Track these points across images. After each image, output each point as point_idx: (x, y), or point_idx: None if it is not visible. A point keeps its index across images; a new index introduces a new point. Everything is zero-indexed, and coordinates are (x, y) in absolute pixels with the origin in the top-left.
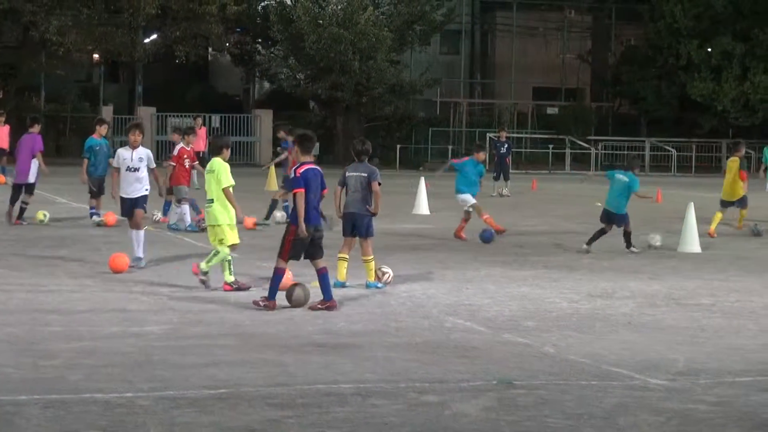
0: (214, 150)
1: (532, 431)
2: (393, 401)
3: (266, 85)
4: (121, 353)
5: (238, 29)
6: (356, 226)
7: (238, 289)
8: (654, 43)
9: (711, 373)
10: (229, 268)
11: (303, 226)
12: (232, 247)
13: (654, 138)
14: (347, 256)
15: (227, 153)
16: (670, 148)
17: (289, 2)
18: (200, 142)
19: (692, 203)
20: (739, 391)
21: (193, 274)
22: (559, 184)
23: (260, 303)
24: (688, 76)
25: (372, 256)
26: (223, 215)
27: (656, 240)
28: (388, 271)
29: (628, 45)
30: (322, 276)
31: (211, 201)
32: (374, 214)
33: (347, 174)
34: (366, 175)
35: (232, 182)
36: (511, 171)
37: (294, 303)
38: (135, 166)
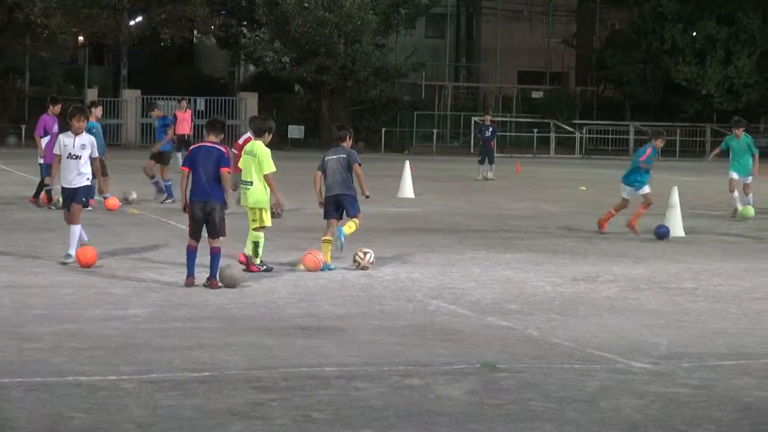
0: (257, 132)
1: (515, 414)
2: (377, 384)
3: (251, 68)
4: (105, 336)
5: (223, 12)
6: (342, 207)
7: (267, 269)
8: (639, 27)
9: (694, 357)
10: (256, 250)
11: (183, 202)
12: (264, 229)
13: (638, 122)
14: (331, 239)
15: (269, 137)
16: None
17: None
18: (185, 125)
19: (676, 187)
20: (722, 374)
21: (254, 272)
22: (544, 168)
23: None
24: (673, 61)
25: (355, 227)
26: (264, 197)
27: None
28: (370, 251)
29: (613, 29)
30: (213, 256)
31: (250, 183)
32: (367, 197)
33: (326, 158)
34: (345, 156)
35: (274, 168)
36: (495, 155)
37: (227, 283)
38: (77, 153)
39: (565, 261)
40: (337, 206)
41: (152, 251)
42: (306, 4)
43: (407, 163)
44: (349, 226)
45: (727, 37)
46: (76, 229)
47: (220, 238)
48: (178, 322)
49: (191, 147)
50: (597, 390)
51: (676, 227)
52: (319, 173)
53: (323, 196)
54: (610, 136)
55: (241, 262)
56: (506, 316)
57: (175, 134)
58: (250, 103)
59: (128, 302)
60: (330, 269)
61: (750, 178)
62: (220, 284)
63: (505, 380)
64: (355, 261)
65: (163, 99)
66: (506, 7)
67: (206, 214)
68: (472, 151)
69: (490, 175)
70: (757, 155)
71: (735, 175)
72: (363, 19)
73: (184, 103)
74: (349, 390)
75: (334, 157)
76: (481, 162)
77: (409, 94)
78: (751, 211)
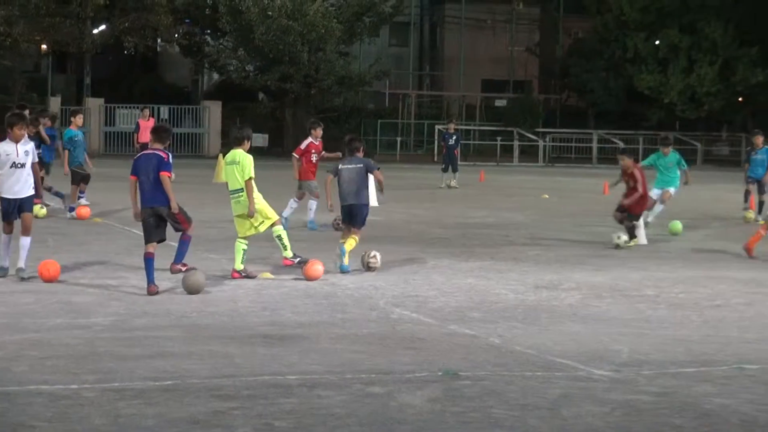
0: (236, 141)
1: (477, 422)
2: (339, 392)
3: (215, 76)
4: (67, 345)
5: (187, 20)
6: (353, 216)
7: (246, 277)
8: (601, 35)
9: (654, 364)
10: (242, 258)
11: (134, 209)
12: (277, 222)
13: (601, 130)
14: (351, 242)
15: (248, 144)
16: (617, 141)
17: None
18: (147, 133)
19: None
20: (682, 381)
21: (287, 266)
22: (507, 176)
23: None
24: (635, 69)
25: (357, 238)
26: (254, 201)
27: (620, 238)
28: (377, 255)
29: (576, 37)
30: (182, 242)
31: (241, 191)
32: (382, 191)
33: (341, 167)
34: (362, 166)
35: (253, 174)
36: (459, 163)
37: (190, 289)
38: (21, 161)
39: (527, 269)
40: (350, 215)
41: (115, 260)
42: (270, 13)
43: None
44: (350, 243)
45: (689, 46)
46: (28, 241)
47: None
48: (140, 330)
49: (135, 157)
50: (558, 397)
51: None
52: (331, 176)
53: (331, 201)
54: (574, 144)
55: (288, 265)
56: (468, 324)
57: (138, 142)
58: (213, 112)
59: (90, 311)
60: (347, 270)
61: (672, 188)
62: (182, 269)
63: (467, 388)
64: (363, 262)
65: (126, 107)
66: (469, 15)
67: (158, 218)
68: (435, 159)
69: (453, 183)
70: (686, 170)
71: (655, 193)
72: (327, 27)
73: (147, 112)
74: (311, 398)
75: (350, 166)
76: (445, 170)
77: (373, 102)
78: (678, 225)
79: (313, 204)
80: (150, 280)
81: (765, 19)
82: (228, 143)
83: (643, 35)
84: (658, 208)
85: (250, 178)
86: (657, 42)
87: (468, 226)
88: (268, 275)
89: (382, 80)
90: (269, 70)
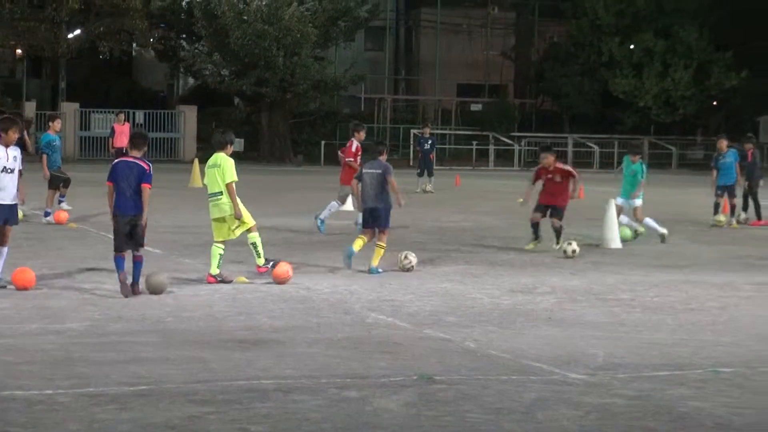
0: (219, 145)
1: (452, 426)
2: (314, 397)
3: (190, 81)
4: (42, 350)
5: (162, 25)
6: (375, 218)
7: (222, 281)
8: (576, 39)
9: (629, 368)
10: (219, 262)
11: (111, 215)
12: (254, 228)
13: (577, 134)
14: (382, 244)
15: (230, 149)
16: (592, 145)
17: None
18: (123, 138)
19: (613, 199)
20: (657, 385)
21: (261, 273)
22: (483, 180)
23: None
24: (610, 73)
25: (384, 245)
26: (234, 208)
27: (572, 247)
28: (412, 259)
29: (551, 42)
30: (136, 263)
31: (220, 194)
32: (399, 205)
33: (364, 171)
34: (380, 171)
35: (236, 178)
36: (434, 167)
37: (153, 290)
38: (11, 166)
39: (503, 273)
40: (374, 218)
41: (90, 265)
42: (245, 17)
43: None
44: (375, 259)
45: (664, 50)
46: (5, 251)
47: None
48: (115, 335)
49: (113, 162)
50: (534, 401)
51: (614, 239)
52: (356, 181)
53: (362, 205)
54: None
55: (261, 273)
56: (444, 328)
57: (113, 147)
58: (189, 116)
59: (65, 316)
60: (377, 272)
61: (638, 201)
62: (142, 291)
63: (442, 392)
64: (400, 264)
65: (101, 112)
66: (445, 20)
67: (131, 227)
68: (411, 163)
69: (429, 187)
70: (643, 182)
71: (620, 201)
72: (302, 31)
73: (122, 116)
74: (287, 403)
75: (370, 171)
76: (420, 174)
77: (349, 106)
78: (628, 232)
79: (335, 206)
80: (120, 269)
81: (739, 24)
82: (204, 147)
83: (618, 39)
84: (624, 219)
85: (232, 182)
86: (632, 46)
87: (443, 231)
88: (244, 279)
89: (358, 85)
90: (245, 75)
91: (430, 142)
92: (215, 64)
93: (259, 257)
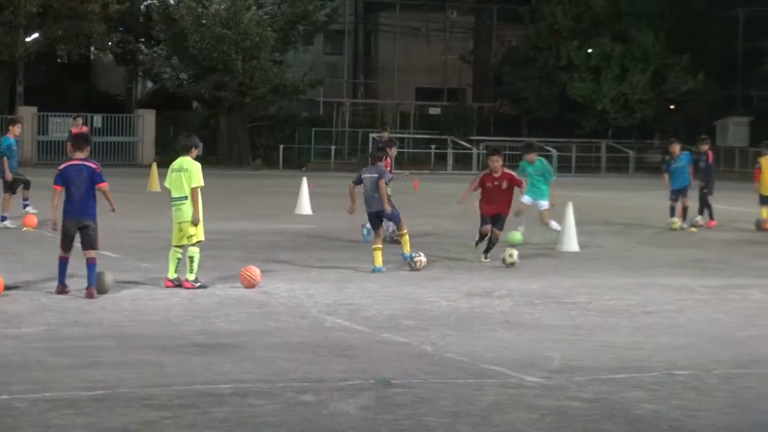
0: (184, 149)
1: (409, 429)
2: (271, 401)
3: (149, 84)
4: None
5: (120, 28)
6: (383, 219)
7: (179, 285)
8: (535, 43)
9: (586, 371)
10: (176, 266)
11: (54, 219)
12: (199, 243)
13: (535, 138)
14: (381, 246)
15: (195, 152)
16: (550, 148)
17: (172, 1)
18: None
19: (571, 203)
20: (613, 387)
21: (187, 288)
22: (441, 184)
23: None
24: (569, 77)
25: (406, 231)
26: (199, 209)
27: (513, 256)
28: (422, 258)
29: (510, 46)
30: (90, 266)
31: (185, 198)
32: (387, 211)
33: (363, 175)
34: (377, 175)
35: (203, 183)
36: (393, 171)
37: (100, 290)
38: None
39: (460, 276)
40: (379, 219)
41: (47, 269)
42: (204, 21)
43: (305, 180)
44: (405, 247)
45: (621, 54)
46: None
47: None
48: (71, 340)
49: (60, 167)
50: (490, 404)
51: (571, 242)
52: (352, 184)
53: (354, 206)
54: (507, 152)
55: (188, 288)
56: (402, 332)
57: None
58: (147, 120)
59: (22, 321)
60: (381, 271)
61: (545, 203)
62: (97, 295)
63: (399, 396)
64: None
65: (59, 116)
66: (404, 24)
67: (80, 229)
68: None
69: (387, 191)
70: (552, 181)
71: (527, 199)
72: (261, 35)
73: (80, 120)
74: (244, 407)
75: (369, 175)
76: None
77: (307, 110)
78: (518, 236)
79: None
80: (61, 281)
81: (695, 28)
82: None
83: (576, 43)
84: (554, 224)
85: (198, 187)
86: (590, 50)
87: None
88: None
89: (317, 88)
90: (203, 79)
91: None
92: (174, 67)
93: (192, 272)
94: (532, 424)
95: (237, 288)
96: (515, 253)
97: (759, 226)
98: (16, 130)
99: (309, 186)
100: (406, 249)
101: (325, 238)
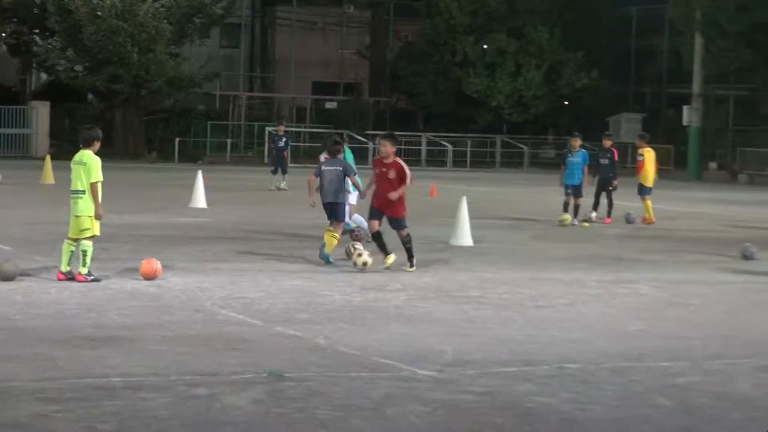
0: (85, 142)
1: (301, 423)
2: (163, 394)
3: (44, 76)
4: None
5: (14, 19)
6: (332, 212)
7: (72, 278)
8: (431, 39)
9: (478, 364)
10: (69, 259)
11: None
12: (92, 238)
13: (431, 133)
14: (335, 234)
15: (97, 145)
16: (446, 143)
17: None
18: None
19: (465, 197)
20: (505, 381)
21: (80, 281)
22: None
23: None
24: (464, 72)
25: (338, 236)
26: (90, 207)
27: (363, 259)
28: (361, 251)
29: (406, 41)
30: None
31: (82, 192)
32: (363, 197)
33: (323, 168)
34: (342, 169)
35: (101, 178)
36: (289, 165)
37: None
38: None
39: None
40: (331, 211)
41: None
42: (99, 13)
43: (200, 173)
44: (330, 242)
45: (516, 50)
46: None
47: None
48: None
49: None
50: (383, 397)
51: (465, 236)
52: (313, 176)
53: (314, 199)
54: (404, 147)
55: (81, 281)
56: (295, 326)
57: None
58: (41, 112)
59: None
60: (330, 262)
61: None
62: None
63: (291, 389)
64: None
65: None
66: (300, 18)
67: None
68: (265, 161)
69: (283, 185)
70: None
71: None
72: (157, 28)
73: None
74: (135, 400)
75: (331, 168)
76: (274, 172)
77: (204, 103)
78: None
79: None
80: None
81: (590, 25)
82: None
83: (471, 39)
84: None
85: (97, 182)
86: (485, 46)
87: (297, 228)
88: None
89: (213, 82)
90: (98, 71)
91: (284, 139)
92: (69, 59)
93: (85, 266)
94: (424, 417)
95: (130, 281)
96: (366, 254)
97: (628, 219)
98: None
99: (204, 179)
100: (329, 250)
101: (220, 231)
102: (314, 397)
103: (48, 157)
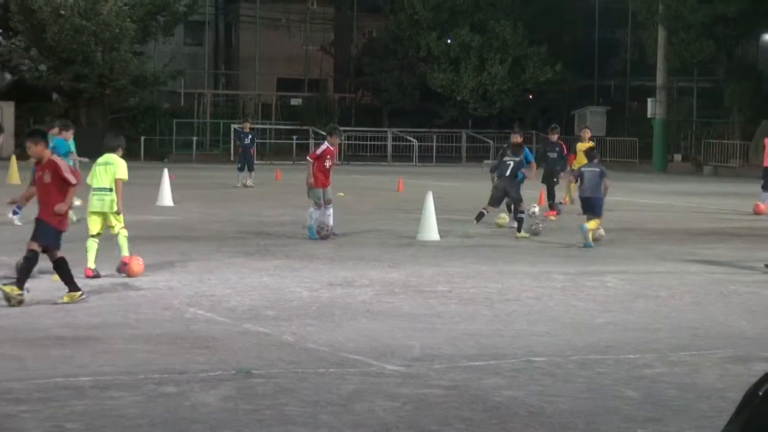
0: (111, 150)
1: (270, 419)
2: (131, 393)
3: (7, 76)
4: None
5: None
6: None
7: (96, 276)
8: (395, 34)
9: (446, 359)
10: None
11: None
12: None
13: (396, 128)
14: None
15: (121, 152)
16: (411, 138)
17: None
18: None
19: (431, 192)
20: (473, 375)
21: (88, 276)
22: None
23: None
24: (429, 68)
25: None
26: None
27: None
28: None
29: (370, 37)
30: None
31: (109, 190)
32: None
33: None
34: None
35: (126, 178)
36: (255, 162)
37: None
38: None
39: (322, 266)
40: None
41: None
42: (62, 12)
43: (166, 171)
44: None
45: (480, 45)
46: None
47: None
48: None
49: None
50: (351, 393)
51: (431, 231)
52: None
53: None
54: (369, 143)
55: (88, 276)
56: (263, 323)
57: None
58: (6, 112)
59: None
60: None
61: None
62: None
63: (260, 386)
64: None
65: None
66: (264, 15)
67: None
68: (231, 158)
69: (249, 182)
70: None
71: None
72: (120, 26)
73: None
74: (104, 399)
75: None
76: (241, 169)
77: (169, 101)
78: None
79: (315, 212)
80: None
81: (553, 19)
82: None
83: (435, 34)
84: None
85: (122, 180)
86: (449, 41)
87: (263, 225)
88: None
89: (177, 80)
90: (63, 70)
91: (250, 137)
92: (32, 59)
93: (125, 251)
94: (393, 412)
95: (98, 281)
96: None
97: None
98: None
99: (170, 177)
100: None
101: (187, 229)
102: (283, 394)
103: (13, 157)
